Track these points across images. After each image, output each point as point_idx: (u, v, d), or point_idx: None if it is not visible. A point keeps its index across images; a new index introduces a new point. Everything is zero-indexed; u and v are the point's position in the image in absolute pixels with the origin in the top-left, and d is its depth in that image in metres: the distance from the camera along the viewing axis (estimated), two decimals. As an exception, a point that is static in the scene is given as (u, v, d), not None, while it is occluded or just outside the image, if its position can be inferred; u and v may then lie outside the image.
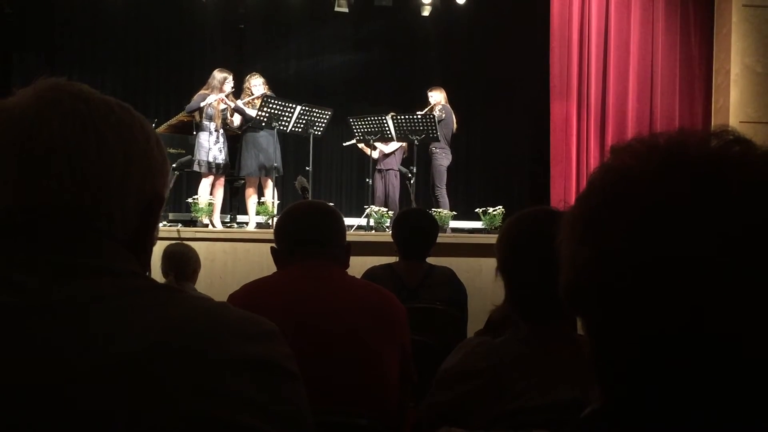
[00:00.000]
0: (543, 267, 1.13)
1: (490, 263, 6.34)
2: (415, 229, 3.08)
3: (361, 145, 7.64)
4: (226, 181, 7.09)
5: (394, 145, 7.66)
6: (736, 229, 0.53)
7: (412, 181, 7.29)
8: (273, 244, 1.97)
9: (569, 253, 0.61)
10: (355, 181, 9.96)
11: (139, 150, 0.82)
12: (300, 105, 6.74)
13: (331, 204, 2.15)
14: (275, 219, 6.51)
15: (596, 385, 0.62)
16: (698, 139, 0.58)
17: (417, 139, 7.04)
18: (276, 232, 1.98)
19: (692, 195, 0.55)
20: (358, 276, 2.33)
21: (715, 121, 7.58)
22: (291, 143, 8.56)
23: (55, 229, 0.76)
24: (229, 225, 7.22)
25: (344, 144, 8.01)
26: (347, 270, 1.96)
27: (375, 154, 7.68)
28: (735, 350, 0.54)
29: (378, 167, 7.76)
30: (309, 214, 1.96)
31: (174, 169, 6.98)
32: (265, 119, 6.63)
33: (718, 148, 0.57)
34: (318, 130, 6.93)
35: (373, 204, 7.22)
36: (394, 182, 7.74)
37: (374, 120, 7.14)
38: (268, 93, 6.92)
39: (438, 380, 1.40)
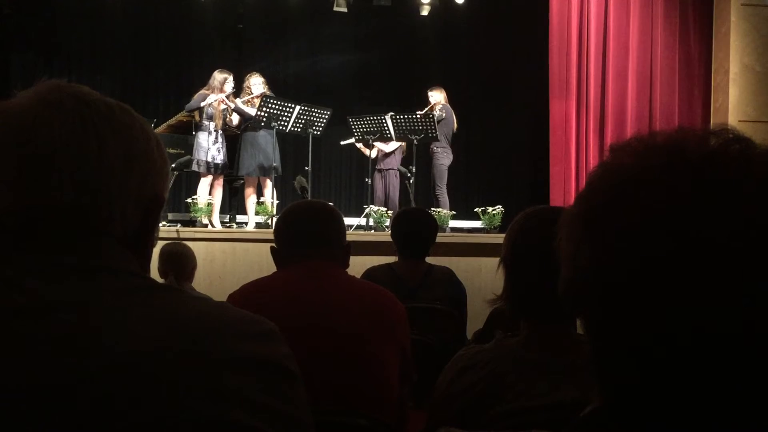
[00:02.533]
0: (545, 267, 1.13)
1: (490, 263, 6.36)
2: (413, 229, 3.08)
3: (359, 145, 7.65)
4: (225, 181, 7.08)
5: (393, 145, 7.66)
6: (737, 227, 0.53)
7: (411, 181, 7.29)
8: (273, 244, 1.97)
9: (569, 253, 0.61)
10: (354, 180, 9.96)
11: (139, 151, 0.82)
12: (299, 105, 6.74)
13: (331, 204, 2.15)
14: (274, 219, 6.51)
15: (596, 384, 0.62)
16: (698, 137, 0.58)
17: (416, 138, 7.04)
18: (276, 232, 1.98)
19: (692, 194, 0.55)
20: (358, 276, 2.33)
21: (714, 121, 7.58)
22: (290, 143, 8.56)
23: (56, 229, 0.76)
24: (228, 225, 7.22)
25: (342, 143, 8.02)
26: (347, 270, 1.96)
27: (373, 154, 7.68)
28: (736, 351, 0.53)
29: (378, 167, 7.75)
30: (309, 214, 1.95)
31: (173, 169, 6.98)
32: (264, 119, 6.63)
33: (717, 147, 0.57)
34: (317, 130, 6.92)
35: (373, 204, 7.22)
36: (394, 182, 7.73)
37: (373, 120, 7.14)
38: (268, 93, 6.92)
39: (437, 400, 1.38)
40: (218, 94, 6.69)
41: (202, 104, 6.65)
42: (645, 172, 0.57)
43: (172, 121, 7.39)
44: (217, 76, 6.78)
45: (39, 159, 0.76)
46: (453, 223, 7.48)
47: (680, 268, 0.54)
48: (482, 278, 5.70)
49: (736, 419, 0.55)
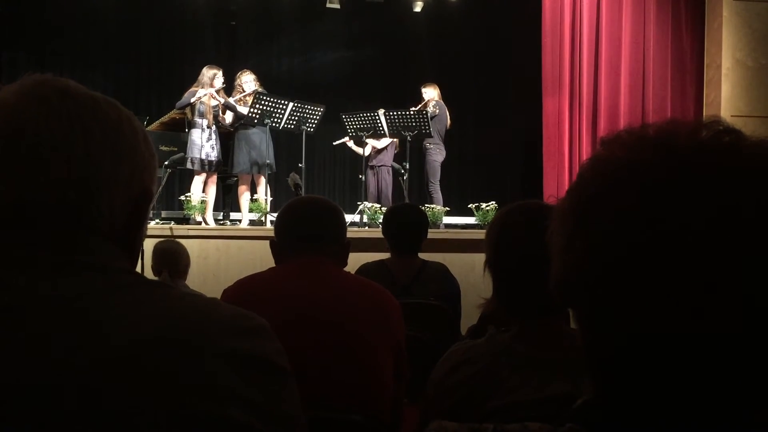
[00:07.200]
0: (530, 262, 1.13)
1: (483, 259, 6.34)
2: (404, 225, 3.08)
3: (351, 144, 7.65)
4: (218, 178, 7.07)
5: (385, 141, 7.66)
6: (727, 219, 0.53)
7: (404, 177, 7.29)
8: (268, 240, 1.97)
9: (560, 246, 0.61)
10: (347, 177, 9.96)
11: (126, 145, 0.81)
12: (292, 101, 6.73)
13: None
14: (268, 216, 6.50)
15: (588, 376, 0.62)
16: (688, 129, 0.58)
17: (410, 135, 7.04)
18: (276, 227, 1.97)
19: (682, 185, 0.55)
20: (351, 272, 2.32)
21: (706, 115, 7.59)
22: (284, 140, 8.54)
23: (42, 225, 0.75)
24: (222, 222, 7.21)
25: (334, 143, 8.02)
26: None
27: (366, 152, 7.68)
28: (726, 342, 0.54)
29: (370, 164, 7.75)
30: (310, 210, 1.95)
31: (166, 166, 6.97)
32: (257, 116, 6.61)
33: (708, 138, 0.57)
34: (310, 127, 6.91)
35: (366, 200, 7.22)
36: (387, 178, 7.73)
37: (366, 116, 7.14)
38: (260, 90, 6.90)
39: (431, 395, 1.38)
40: (208, 89, 6.67)
41: (192, 100, 6.63)
42: (636, 163, 0.57)
43: (165, 118, 7.36)
44: (206, 72, 6.76)
45: (24, 154, 0.75)
46: (447, 220, 7.48)
47: (671, 258, 0.54)
48: (476, 274, 5.66)
49: (729, 411, 0.55)
